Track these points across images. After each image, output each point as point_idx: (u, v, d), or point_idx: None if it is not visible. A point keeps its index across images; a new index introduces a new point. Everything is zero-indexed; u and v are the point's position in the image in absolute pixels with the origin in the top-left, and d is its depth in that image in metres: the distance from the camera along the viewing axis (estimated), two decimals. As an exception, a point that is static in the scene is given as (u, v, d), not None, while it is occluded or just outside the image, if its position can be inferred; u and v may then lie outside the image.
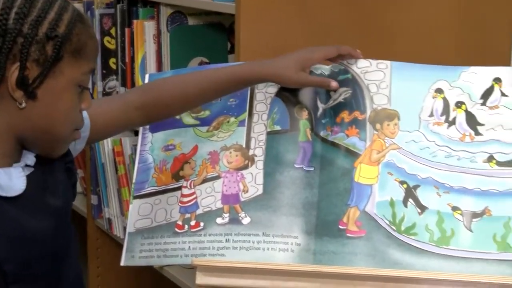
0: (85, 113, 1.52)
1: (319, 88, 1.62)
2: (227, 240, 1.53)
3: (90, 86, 2.75)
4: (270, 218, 1.53)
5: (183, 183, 1.64)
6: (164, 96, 1.59)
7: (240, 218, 1.56)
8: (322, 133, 1.59)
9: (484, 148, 1.52)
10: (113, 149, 2.64)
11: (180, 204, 1.62)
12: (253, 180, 1.59)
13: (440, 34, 2.18)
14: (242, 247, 1.52)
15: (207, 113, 1.71)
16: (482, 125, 1.54)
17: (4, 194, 1.36)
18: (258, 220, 1.54)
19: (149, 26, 2.38)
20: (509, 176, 1.49)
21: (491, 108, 1.55)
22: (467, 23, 2.21)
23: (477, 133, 1.53)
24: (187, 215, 1.60)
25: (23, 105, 1.34)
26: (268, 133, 1.64)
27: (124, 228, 2.61)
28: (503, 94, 1.55)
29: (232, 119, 1.68)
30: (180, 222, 1.59)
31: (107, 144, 2.66)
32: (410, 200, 1.47)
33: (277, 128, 1.64)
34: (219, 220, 1.56)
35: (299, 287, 1.45)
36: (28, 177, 1.41)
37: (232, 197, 1.58)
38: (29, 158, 1.41)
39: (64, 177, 1.48)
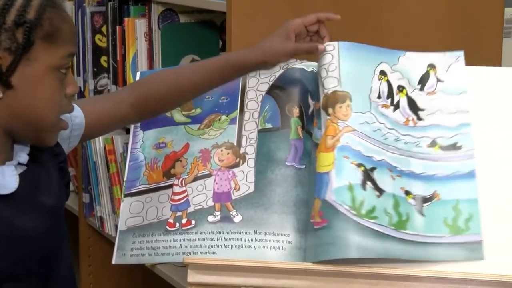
0: (79, 111, 1.52)
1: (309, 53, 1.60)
2: (218, 238, 1.53)
3: (83, 85, 2.75)
4: (262, 216, 1.53)
5: (174, 181, 1.63)
6: (155, 91, 1.59)
7: (231, 216, 1.55)
8: (312, 131, 1.59)
9: (426, 133, 1.52)
10: (105, 148, 2.63)
11: (171, 202, 1.61)
12: (244, 178, 1.59)
13: (431, 32, 2.18)
14: (234, 245, 1.51)
15: (198, 111, 1.70)
16: (423, 110, 1.54)
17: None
18: (250, 218, 1.54)
19: (141, 24, 2.38)
20: (453, 159, 1.50)
21: (428, 93, 1.56)
22: (457, 20, 2.21)
23: (419, 118, 1.53)
24: (179, 213, 1.59)
25: (0, 95, 1.33)
26: (260, 131, 1.64)
27: (116, 226, 2.61)
28: (438, 80, 1.57)
29: (224, 117, 1.68)
30: (171, 220, 1.59)
31: (99, 142, 2.66)
32: (368, 183, 1.45)
33: (269, 126, 1.64)
34: (210, 218, 1.56)
35: (290, 285, 1.45)
36: (21, 176, 1.40)
37: (224, 195, 1.58)
38: (22, 157, 1.41)
39: (57, 176, 1.47)
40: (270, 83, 1.68)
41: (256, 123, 1.65)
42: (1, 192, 1.36)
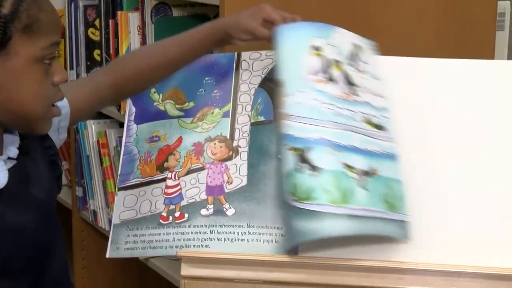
0: (65, 101, 1.51)
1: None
2: (211, 232, 1.53)
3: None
4: (255, 209, 1.53)
5: (167, 174, 1.63)
6: (131, 70, 1.61)
7: (224, 209, 1.56)
8: None
9: (361, 108, 1.51)
10: (98, 141, 2.63)
11: (164, 195, 1.61)
12: (237, 171, 1.59)
13: (422, 27, 2.18)
14: (227, 239, 1.52)
15: (191, 104, 1.71)
16: (357, 86, 1.54)
17: None
18: (243, 211, 1.54)
19: (134, 18, 2.37)
20: (382, 138, 1.50)
21: (359, 71, 1.56)
22: (451, 13, 2.21)
23: (355, 93, 1.53)
24: (172, 207, 1.59)
25: None
26: (252, 124, 1.64)
27: (109, 220, 2.61)
28: (364, 61, 1.59)
29: (217, 110, 1.68)
30: (164, 214, 1.59)
31: (92, 136, 2.66)
32: (304, 164, 1.43)
33: (261, 119, 1.64)
34: (203, 212, 1.56)
35: (284, 278, 1.45)
36: (10, 171, 1.40)
37: (217, 188, 1.58)
38: (11, 151, 1.40)
39: (47, 170, 1.47)
40: (263, 76, 1.68)
41: (249, 116, 1.65)
42: None
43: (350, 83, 1.53)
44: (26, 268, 1.40)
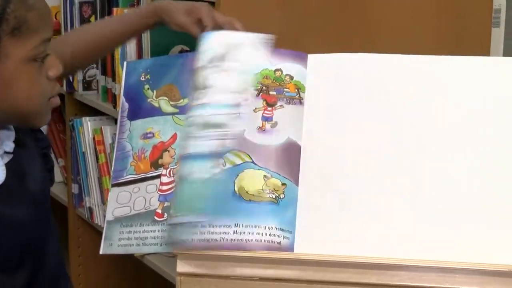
0: None
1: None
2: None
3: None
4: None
5: (162, 171, 1.63)
6: (73, 48, 1.69)
7: None
8: None
9: (200, 111, 1.58)
10: (94, 138, 2.63)
11: (159, 192, 1.61)
12: None
13: (420, 23, 2.18)
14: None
15: (186, 101, 1.70)
16: (210, 87, 1.61)
17: None
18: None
19: (129, 14, 2.37)
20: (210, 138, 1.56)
21: (223, 71, 1.62)
22: (447, 11, 2.21)
23: (198, 98, 1.61)
24: (167, 204, 1.59)
25: None
26: None
27: (105, 217, 2.61)
28: (233, 60, 1.64)
29: None
30: (159, 211, 1.59)
31: (88, 133, 2.66)
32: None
33: None
34: None
35: (279, 274, 1.45)
36: (7, 166, 1.40)
37: None
38: (8, 145, 1.40)
39: (40, 162, 1.47)
40: None
41: None
42: None
43: (201, 87, 1.59)
44: (22, 263, 1.40)
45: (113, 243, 1.58)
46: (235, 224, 1.48)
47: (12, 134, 1.42)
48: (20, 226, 1.39)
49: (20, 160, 1.42)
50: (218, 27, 1.70)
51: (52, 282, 1.49)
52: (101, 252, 1.60)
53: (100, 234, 2.59)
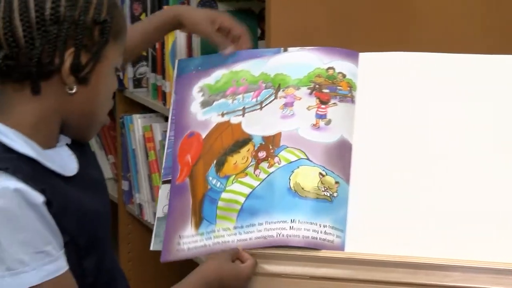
0: None
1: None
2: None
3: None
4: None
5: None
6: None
7: None
8: None
9: None
10: (144, 135, 2.65)
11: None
12: None
13: (465, 19, 2.15)
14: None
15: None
16: None
17: (66, 173, 1.39)
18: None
19: (180, 12, 2.37)
20: None
21: None
22: (493, 7, 2.18)
23: None
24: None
25: (74, 90, 1.37)
26: None
27: (155, 214, 2.62)
28: None
29: None
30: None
31: (138, 130, 2.67)
32: None
33: None
34: None
35: (330, 273, 1.45)
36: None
37: None
38: (66, 138, 1.44)
39: (89, 150, 1.51)
40: None
41: None
42: (67, 174, 1.39)
43: None
44: (92, 249, 1.43)
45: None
46: (291, 220, 1.48)
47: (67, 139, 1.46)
48: (97, 213, 1.43)
49: (78, 149, 1.46)
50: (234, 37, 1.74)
51: (112, 270, 1.51)
52: (151, 249, 1.61)
53: (150, 230, 2.61)
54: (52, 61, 1.34)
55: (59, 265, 1.34)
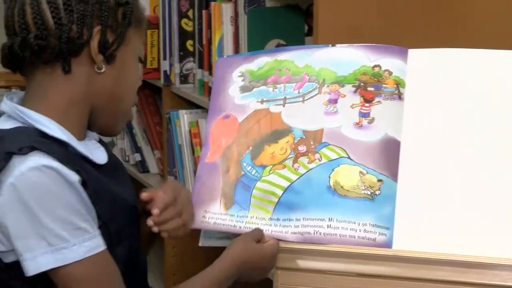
0: None
1: None
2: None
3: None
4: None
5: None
6: None
7: None
8: None
9: None
10: (190, 131, 2.66)
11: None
12: None
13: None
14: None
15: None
16: None
17: (96, 161, 1.43)
18: None
19: (227, 8, 2.38)
20: None
21: None
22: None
23: None
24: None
25: (103, 69, 1.41)
26: None
27: (200, 209, 2.63)
28: None
29: None
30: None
31: (184, 125, 2.68)
32: None
33: None
34: None
35: (377, 271, 1.44)
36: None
37: None
38: (94, 135, 1.48)
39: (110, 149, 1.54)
40: None
41: None
42: (98, 162, 1.43)
43: None
44: (135, 237, 1.45)
45: (212, 236, 1.60)
46: (329, 219, 1.48)
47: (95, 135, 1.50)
48: (126, 203, 1.46)
49: (102, 144, 1.51)
50: None
51: (141, 263, 1.53)
52: (200, 245, 1.61)
53: (195, 226, 2.59)
54: (81, 37, 1.39)
55: (98, 242, 1.36)
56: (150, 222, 1.44)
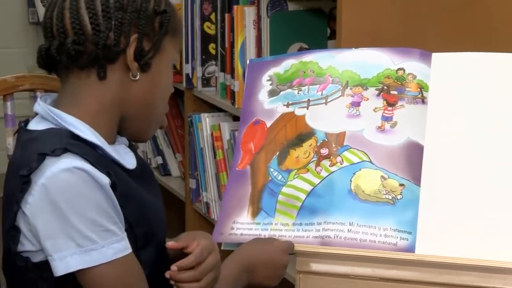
0: None
1: None
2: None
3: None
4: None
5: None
6: None
7: None
8: None
9: None
10: (212, 134, 2.66)
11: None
12: None
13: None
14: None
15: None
16: None
17: (126, 165, 1.43)
18: None
19: (249, 12, 2.38)
20: None
21: None
22: None
23: None
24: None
25: (138, 77, 1.42)
26: None
27: (222, 213, 2.63)
28: None
29: None
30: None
31: (206, 129, 2.68)
32: None
33: None
34: None
35: (400, 275, 1.44)
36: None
37: None
38: (123, 140, 1.47)
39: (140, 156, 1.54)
40: None
41: None
42: (127, 166, 1.44)
43: None
44: (161, 244, 1.45)
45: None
46: (349, 223, 1.48)
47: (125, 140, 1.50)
48: (154, 208, 1.47)
49: (135, 155, 1.51)
50: None
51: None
52: (222, 248, 1.61)
53: (217, 229, 2.58)
54: (117, 44, 1.40)
55: (125, 245, 1.37)
56: (167, 274, 1.42)
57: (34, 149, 1.36)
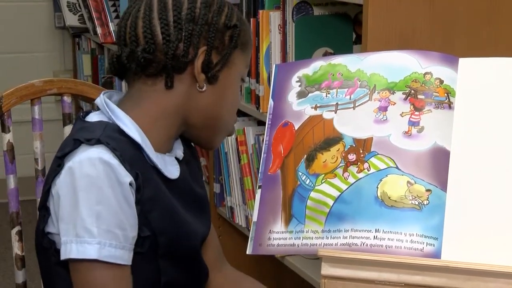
0: None
1: None
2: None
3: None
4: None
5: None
6: None
7: None
8: None
9: None
10: (237, 139, 2.66)
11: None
12: None
13: None
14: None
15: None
16: None
17: (165, 173, 1.46)
18: None
19: (275, 16, 2.39)
20: None
21: None
22: None
23: None
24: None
25: (204, 88, 1.45)
26: None
27: (246, 217, 2.63)
28: None
29: None
30: (304, 212, 1.59)
31: (231, 133, 2.69)
32: None
33: None
34: None
35: (426, 281, 1.43)
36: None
37: None
38: (178, 153, 1.49)
39: (197, 171, 1.54)
40: None
41: None
42: (166, 174, 1.47)
43: None
44: (185, 256, 1.47)
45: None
46: (375, 230, 1.47)
47: (181, 146, 1.51)
48: (186, 220, 1.49)
49: (187, 164, 1.53)
50: None
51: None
52: (248, 252, 1.61)
53: (241, 233, 2.61)
54: (186, 55, 1.43)
55: (123, 255, 1.37)
56: None
57: (76, 137, 1.41)
